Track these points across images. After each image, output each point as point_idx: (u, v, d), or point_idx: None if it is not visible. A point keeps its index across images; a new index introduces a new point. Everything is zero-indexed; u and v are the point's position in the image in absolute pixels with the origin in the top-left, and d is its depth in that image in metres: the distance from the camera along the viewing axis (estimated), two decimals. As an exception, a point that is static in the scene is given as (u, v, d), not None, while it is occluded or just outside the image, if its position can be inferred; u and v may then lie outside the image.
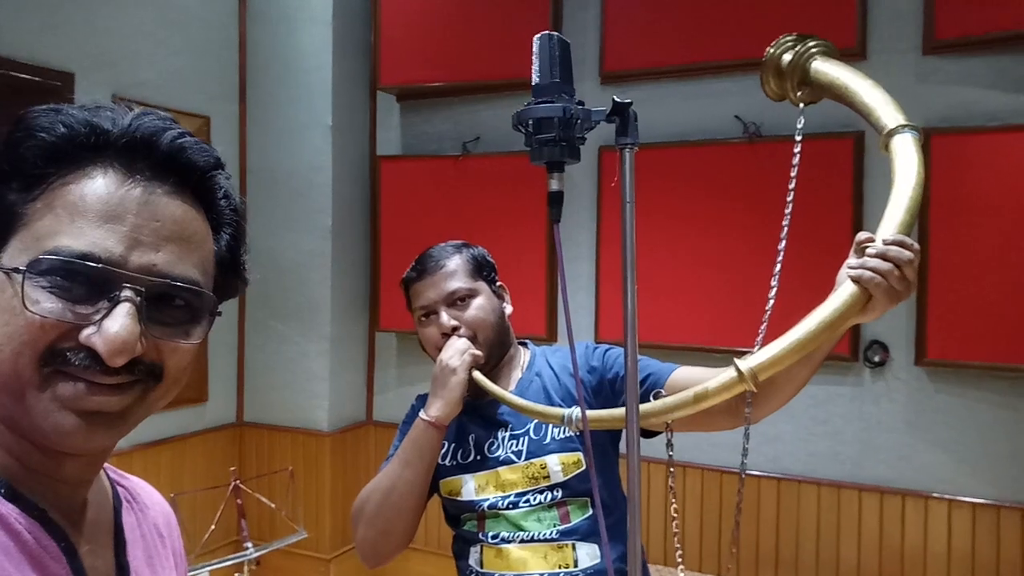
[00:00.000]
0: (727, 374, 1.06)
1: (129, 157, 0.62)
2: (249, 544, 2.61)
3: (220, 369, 3.37)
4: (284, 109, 3.34)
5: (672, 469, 1.10)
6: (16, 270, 0.59)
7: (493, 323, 1.54)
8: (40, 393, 0.59)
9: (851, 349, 2.62)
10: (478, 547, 1.49)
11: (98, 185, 0.61)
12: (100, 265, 0.59)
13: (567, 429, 1.48)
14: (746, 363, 1.03)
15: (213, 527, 2.58)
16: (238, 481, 2.66)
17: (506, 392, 1.43)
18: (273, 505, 2.78)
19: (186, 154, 0.65)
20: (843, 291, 1.04)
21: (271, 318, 3.39)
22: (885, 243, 1.04)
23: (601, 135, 2.93)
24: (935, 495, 2.54)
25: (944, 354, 2.50)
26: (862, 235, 1.08)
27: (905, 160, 1.10)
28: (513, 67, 3.00)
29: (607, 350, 1.55)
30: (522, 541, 1.44)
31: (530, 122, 0.87)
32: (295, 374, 3.37)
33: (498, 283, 1.62)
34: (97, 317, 0.59)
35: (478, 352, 1.48)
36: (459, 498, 1.50)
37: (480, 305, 1.53)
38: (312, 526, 3.20)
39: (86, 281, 0.59)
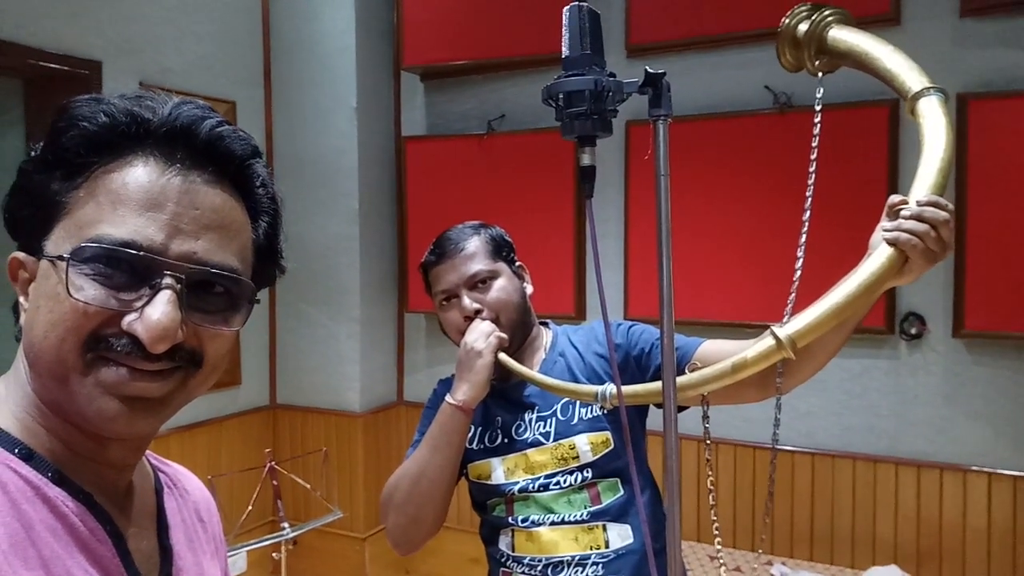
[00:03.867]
0: (765, 342, 1.04)
1: (169, 146, 0.63)
2: (285, 524, 2.65)
3: (253, 353, 3.40)
4: (309, 93, 3.34)
5: (709, 442, 1.09)
6: (60, 258, 0.60)
7: (516, 304, 1.52)
8: (84, 378, 0.60)
9: (887, 322, 2.58)
10: (508, 531, 1.48)
11: (139, 173, 0.62)
12: (141, 253, 0.60)
13: (596, 408, 1.47)
14: (784, 330, 1.01)
15: (250, 508, 2.62)
16: (273, 463, 2.70)
17: (535, 372, 1.41)
18: (308, 486, 2.81)
19: (224, 143, 0.65)
20: (879, 254, 1.02)
21: (301, 302, 3.42)
22: (919, 204, 1.03)
23: (629, 110, 2.89)
24: (974, 468, 2.50)
25: (982, 325, 2.45)
26: (895, 198, 1.07)
27: (934, 122, 1.08)
28: (537, 43, 2.96)
29: (631, 326, 1.53)
30: (552, 523, 1.43)
31: (560, 96, 0.86)
32: (326, 356, 3.40)
33: (517, 263, 1.60)
34: (139, 304, 0.60)
35: (503, 334, 1.47)
36: (488, 482, 1.50)
37: (502, 286, 1.51)
38: (347, 506, 3.24)
39: (128, 268, 0.60)
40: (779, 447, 1.22)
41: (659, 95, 0.84)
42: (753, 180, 2.75)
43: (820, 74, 1.21)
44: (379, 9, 3.37)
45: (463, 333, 1.49)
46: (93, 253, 0.59)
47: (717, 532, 1.16)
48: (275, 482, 2.70)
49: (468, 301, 1.49)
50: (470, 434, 1.52)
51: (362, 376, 3.35)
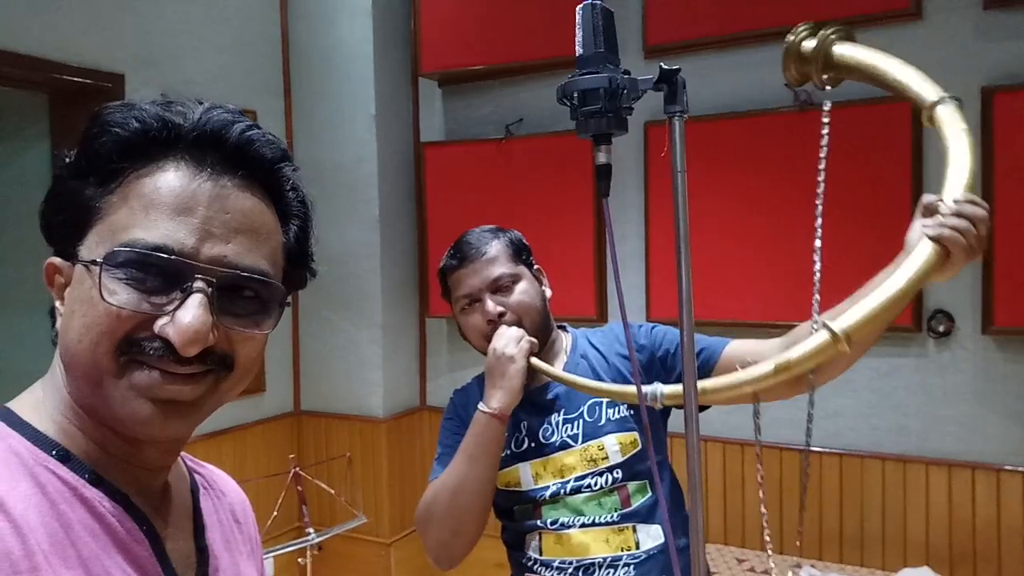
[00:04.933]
0: (818, 337, 0.99)
1: (200, 150, 0.64)
2: (311, 530, 2.66)
3: (276, 360, 3.43)
4: (328, 101, 3.37)
5: (759, 444, 1.06)
6: (94, 262, 0.61)
7: (538, 307, 1.52)
8: (117, 381, 0.61)
9: (914, 319, 2.54)
10: (536, 535, 1.48)
11: (170, 178, 0.63)
12: (173, 257, 0.60)
13: (623, 408, 1.46)
14: (839, 324, 0.98)
15: (276, 513, 2.63)
16: (298, 468, 2.71)
17: (575, 376, 1.39)
18: (332, 491, 2.82)
19: (254, 147, 0.66)
20: (922, 250, 1.02)
21: (324, 308, 3.44)
22: (957, 202, 1.04)
23: (646, 110, 2.88)
24: (1007, 467, 2.45)
25: (1012, 321, 2.40)
26: (929, 197, 1.07)
27: (956, 127, 1.10)
28: (554, 46, 2.96)
29: (653, 327, 1.52)
30: (583, 525, 1.43)
31: (575, 94, 0.85)
32: (349, 362, 3.41)
33: (536, 266, 1.59)
34: (171, 308, 0.61)
35: (534, 339, 1.45)
36: (518, 488, 1.49)
37: (524, 290, 1.51)
38: (371, 511, 3.25)
39: (160, 273, 0.61)
40: (808, 448, 1.20)
41: (674, 91, 0.84)
42: (774, 179, 2.72)
43: (828, 88, 1.21)
44: (396, 17, 3.39)
45: (486, 337, 1.48)
46: (126, 258, 0.60)
47: (767, 533, 1.14)
48: (300, 488, 2.71)
49: (492, 305, 1.48)
50: None
51: (385, 381, 3.36)
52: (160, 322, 0.60)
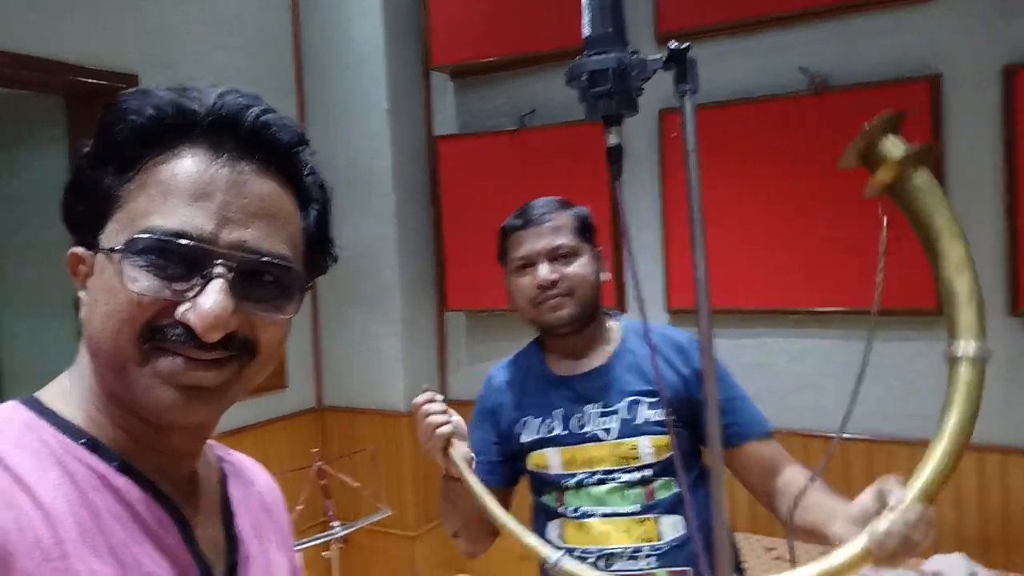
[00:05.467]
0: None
1: (216, 136, 0.64)
2: (335, 523, 2.67)
3: (297, 356, 3.45)
4: (340, 98, 3.37)
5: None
6: (114, 250, 0.61)
7: (592, 284, 1.49)
8: (141, 368, 0.61)
9: (937, 302, 2.50)
10: (558, 520, 1.47)
11: (187, 164, 0.63)
12: (192, 242, 0.60)
13: (661, 411, 1.42)
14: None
15: (301, 507, 2.64)
16: (321, 463, 2.72)
17: (477, 484, 1.27)
18: (357, 484, 2.83)
19: (270, 131, 0.66)
20: (855, 545, 0.93)
21: (343, 304, 3.45)
22: (907, 522, 0.91)
23: (660, 97, 2.86)
24: (1037, 451, 2.41)
25: (1040, 302, 2.36)
26: (887, 485, 0.97)
27: (964, 393, 0.96)
28: (565, 35, 2.93)
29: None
30: (604, 515, 1.42)
31: (584, 76, 0.84)
32: (370, 357, 3.43)
33: (598, 248, 1.56)
34: (191, 294, 0.61)
35: (446, 432, 1.30)
36: (547, 471, 1.48)
37: (582, 263, 1.49)
38: (396, 503, 3.25)
39: (180, 259, 0.61)
40: (833, 434, 1.18)
41: (684, 70, 0.82)
42: (790, 164, 2.68)
43: (884, 217, 0.95)
44: (406, 11, 3.38)
45: (532, 303, 1.47)
46: (146, 244, 0.60)
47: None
48: (324, 482, 2.73)
49: (547, 270, 1.46)
50: (527, 426, 1.51)
51: (406, 375, 3.37)
52: (181, 308, 0.60)
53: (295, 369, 3.42)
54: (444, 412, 1.31)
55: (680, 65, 0.82)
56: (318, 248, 0.72)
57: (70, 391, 0.66)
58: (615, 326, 1.58)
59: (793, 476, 1.40)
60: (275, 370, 3.43)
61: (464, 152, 3.30)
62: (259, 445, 3.22)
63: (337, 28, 3.36)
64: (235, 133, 0.64)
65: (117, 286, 0.60)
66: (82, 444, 0.63)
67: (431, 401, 1.33)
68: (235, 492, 0.78)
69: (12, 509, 0.55)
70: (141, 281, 0.60)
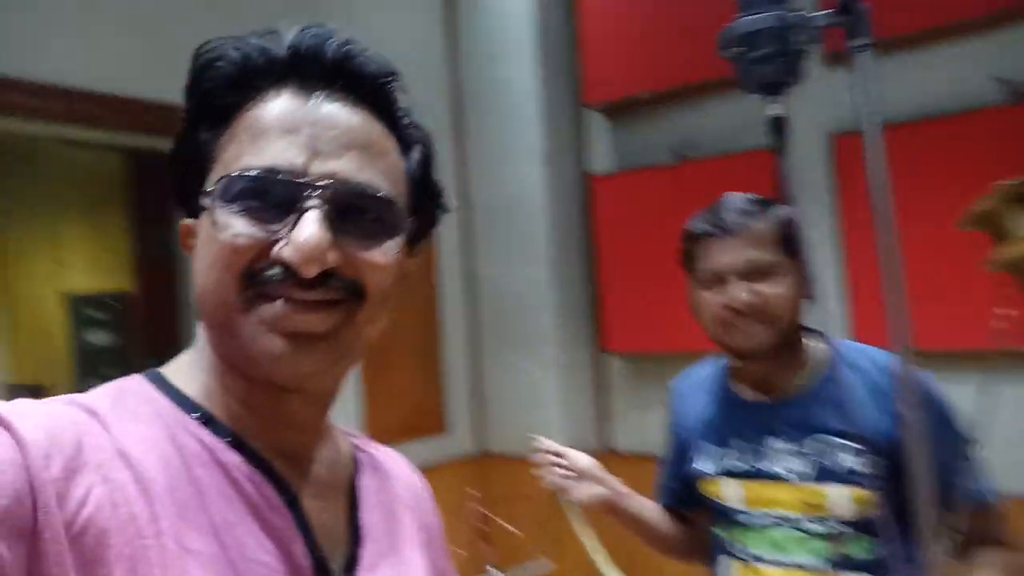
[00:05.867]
0: None
1: (300, 73, 0.63)
2: (491, 567, 2.60)
3: (456, 400, 3.46)
4: (496, 140, 3.42)
5: None
6: (207, 199, 0.60)
7: (790, 309, 1.28)
8: (245, 317, 0.59)
9: None
10: (728, 559, 1.33)
11: (273, 105, 0.62)
12: (281, 176, 0.58)
13: (858, 459, 1.22)
14: None
15: (463, 553, 2.61)
16: (482, 509, 2.68)
17: (602, 556, 1.34)
18: (520, 534, 2.76)
19: (355, 60, 0.64)
20: None
21: (502, 347, 3.44)
22: None
23: (831, 119, 2.65)
24: None
25: None
26: None
27: None
28: (720, 64, 2.82)
29: (929, 400, 1.14)
30: (782, 564, 1.25)
31: (737, 40, 0.75)
32: (528, 403, 3.38)
33: (802, 260, 1.32)
34: (286, 231, 0.58)
35: (553, 483, 1.44)
36: (722, 502, 1.34)
37: (782, 284, 1.26)
38: (560, 557, 3.14)
39: (272, 197, 0.59)
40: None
41: (858, 21, 0.71)
42: (988, 183, 2.39)
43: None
44: (559, 51, 3.41)
45: (719, 323, 1.30)
46: (236, 186, 0.59)
47: None
48: (485, 528, 2.68)
49: (739, 291, 1.26)
50: (700, 452, 1.39)
51: (566, 423, 3.28)
52: (278, 247, 0.58)
53: (454, 413, 3.43)
54: (555, 464, 1.38)
55: (852, 16, 0.71)
56: (425, 195, 0.68)
57: (190, 365, 0.66)
58: (821, 349, 1.35)
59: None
60: (433, 413, 3.44)
61: (621, 190, 3.24)
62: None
63: (491, 71, 3.43)
64: (319, 67, 0.63)
65: (213, 236, 0.59)
66: (195, 418, 0.62)
67: (542, 451, 1.39)
68: (366, 482, 0.74)
69: (108, 483, 0.54)
70: (235, 225, 0.58)
